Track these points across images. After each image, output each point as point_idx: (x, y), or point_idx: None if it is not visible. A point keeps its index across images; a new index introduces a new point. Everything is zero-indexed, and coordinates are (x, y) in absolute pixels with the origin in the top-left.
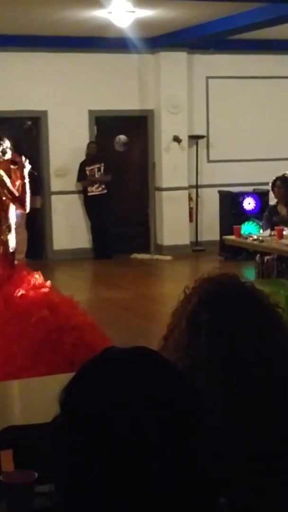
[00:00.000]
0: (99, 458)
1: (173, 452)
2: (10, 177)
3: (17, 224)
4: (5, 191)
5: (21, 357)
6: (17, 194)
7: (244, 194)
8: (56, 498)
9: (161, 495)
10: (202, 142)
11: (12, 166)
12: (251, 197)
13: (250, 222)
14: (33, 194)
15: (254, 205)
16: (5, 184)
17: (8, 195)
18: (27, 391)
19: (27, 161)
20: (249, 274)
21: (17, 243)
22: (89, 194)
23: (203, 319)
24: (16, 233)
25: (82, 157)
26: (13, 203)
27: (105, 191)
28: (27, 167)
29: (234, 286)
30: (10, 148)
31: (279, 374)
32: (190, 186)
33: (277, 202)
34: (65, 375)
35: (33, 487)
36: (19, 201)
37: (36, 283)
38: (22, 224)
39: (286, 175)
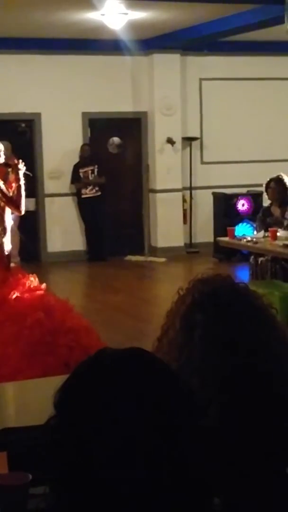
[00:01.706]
0: (94, 458)
1: (168, 452)
2: (5, 180)
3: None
4: (0, 193)
5: (16, 359)
6: (11, 194)
7: (238, 196)
8: (50, 500)
9: (156, 495)
10: (195, 144)
11: (8, 169)
12: (245, 198)
13: (244, 224)
14: (27, 196)
15: (248, 206)
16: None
17: (3, 198)
18: (21, 393)
19: (23, 163)
20: (243, 275)
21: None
22: (83, 196)
23: (196, 319)
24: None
25: (76, 159)
26: (8, 206)
27: (99, 193)
28: (22, 169)
29: (227, 286)
30: (4, 152)
31: (273, 375)
32: (184, 188)
33: (271, 204)
34: (60, 377)
35: (27, 489)
36: (14, 204)
37: (31, 286)
38: (14, 227)
39: (280, 176)
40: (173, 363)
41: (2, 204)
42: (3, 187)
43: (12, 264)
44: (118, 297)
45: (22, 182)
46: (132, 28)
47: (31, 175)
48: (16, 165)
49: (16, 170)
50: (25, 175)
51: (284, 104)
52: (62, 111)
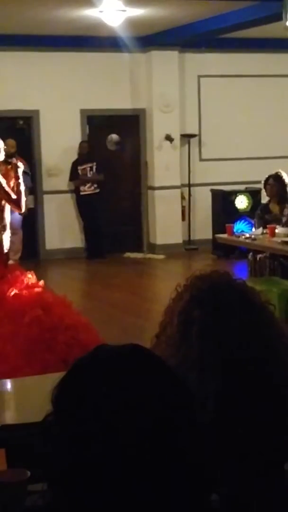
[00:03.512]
0: (91, 455)
1: (165, 448)
2: (6, 177)
3: (15, 225)
4: (1, 191)
5: (14, 356)
6: (13, 195)
7: (236, 193)
8: (48, 497)
9: (154, 491)
10: (194, 141)
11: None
12: (243, 195)
13: (243, 221)
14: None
15: (247, 203)
16: (1, 184)
17: (5, 196)
18: (20, 390)
19: (21, 163)
20: (241, 272)
21: (13, 243)
22: (82, 193)
23: (194, 315)
24: (14, 233)
25: (74, 156)
26: (9, 204)
27: (97, 191)
28: (21, 167)
29: (225, 283)
30: (4, 149)
31: (270, 371)
32: (183, 185)
33: (269, 200)
34: (59, 374)
35: (25, 485)
36: (15, 202)
37: (29, 283)
38: (18, 225)
39: (278, 173)
40: (170, 360)
41: (3, 201)
42: (5, 186)
43: (10, 262)
44: (117, 294)
45: (21, 180)
46: (130, 25)
47: (29, 173)
48: (16, 163)
49: (15, 168)
50: (24, 173)
51: (283, 101)
52: (61, 108)
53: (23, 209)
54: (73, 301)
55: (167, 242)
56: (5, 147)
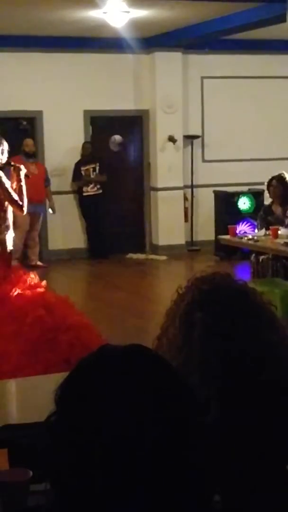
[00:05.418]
0: (94, 455)
1: (168, 449)
2: (8, 178)
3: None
4: (5, 192)
5: (17, 356)
6: (15, 196)
7: (239, 194)
8: (51, 497)
9: (156, 492)
10: (197, 142)
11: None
12: (246, 197)
13: (245, 222)
14: None
15: (249, 204)
16: (4, 185)
17: (8, 198)
18: (22, 390)
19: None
20: (244, 273)
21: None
22: (85, 194)
23: (196, 317)
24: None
25: (77, 157)
26: (11, 205)
27: (100, 191)
28: (23, 170)
29: (226, 284)
30: (8, 150)
31: (273, 372)
32: (185, 186)
33: (272, 202)
34: (61, 374)
35: (28, 485)
36: (17, 203)
37: (32, 283)
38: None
39: (282, 174)
40: (172, 361)
41: (6, 203)
42: (8, 185)
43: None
44: (119, 294)
45: (23, 182)
46: (134, 26)
47: (30, 176)
48: (18, 166)
49: (17, 170)
50: (25, 176)
51: (286, 102)
52: (64, 109)
53: (25, 211)
54: (76, 301)
55: (170, 243)
56: (26, 146)
